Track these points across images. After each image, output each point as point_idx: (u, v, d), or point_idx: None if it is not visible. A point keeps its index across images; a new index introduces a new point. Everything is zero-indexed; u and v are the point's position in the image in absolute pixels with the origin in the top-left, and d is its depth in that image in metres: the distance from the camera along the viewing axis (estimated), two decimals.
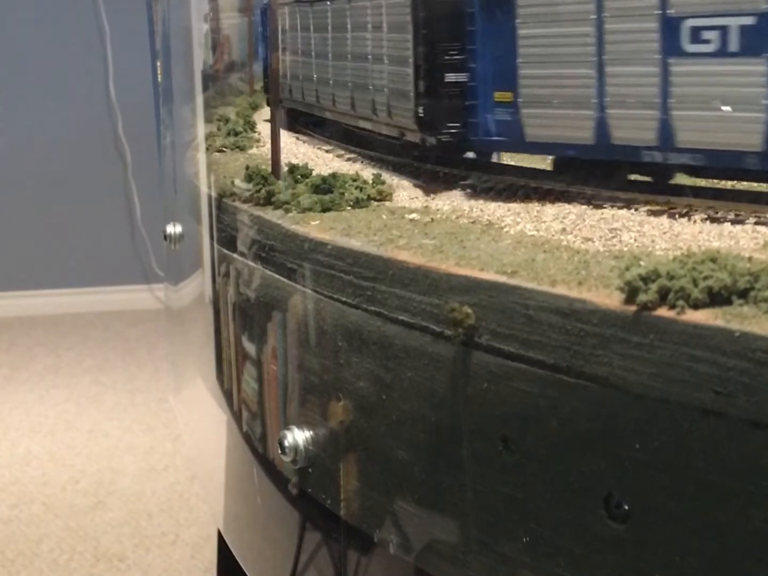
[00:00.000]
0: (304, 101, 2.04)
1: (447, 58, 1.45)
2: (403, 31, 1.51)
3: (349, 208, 1.43)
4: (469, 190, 1.45)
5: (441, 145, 1.49)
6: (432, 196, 1.46)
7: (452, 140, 1.48)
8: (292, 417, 1.38)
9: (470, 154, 1.56)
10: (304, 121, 2.13)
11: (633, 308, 0.89)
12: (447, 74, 1.46)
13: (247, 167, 1.60)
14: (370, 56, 1.65)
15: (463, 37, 1.43)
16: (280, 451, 1.33)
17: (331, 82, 1.84)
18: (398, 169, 1.66)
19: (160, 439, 3.86)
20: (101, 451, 3.77)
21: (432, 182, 1.54)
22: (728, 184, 1.24)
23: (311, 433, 1.32)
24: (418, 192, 1.51)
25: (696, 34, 1.13)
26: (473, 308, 1.03)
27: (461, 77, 1.45)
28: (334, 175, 1.49)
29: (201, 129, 2.16)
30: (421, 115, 1.50)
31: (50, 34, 5.31)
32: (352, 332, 1.20)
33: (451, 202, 1.40)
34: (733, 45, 1.09)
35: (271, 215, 1.45)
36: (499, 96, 1.40)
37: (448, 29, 1.47)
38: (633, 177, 1.31)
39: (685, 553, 0.86)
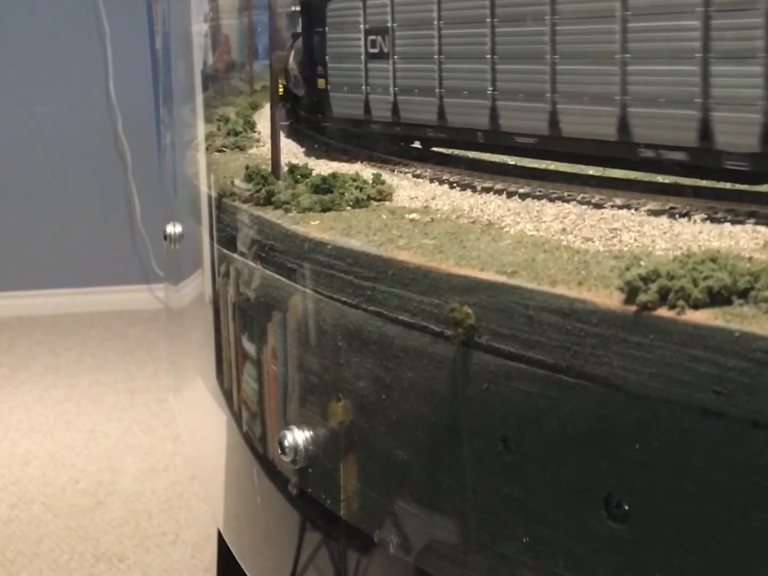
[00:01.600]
0: (445, 123, 1.55)
1: None
2: (744, 14, 1.08)
3: (349, 208, 1.42)
4: None
5: None
6: None
7: None
8: (292, 417, 1.38)
9: None
10: (430, 153, 1.67)
11: (633, 308, 0.89)
12: None
13: (247, 167, 1.60)
14: (628, 54, 1.21)
15: None
16: (280, 451, 1.33)
17: (548, 95, 1.34)
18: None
19: (160, 439, 3.86)
20: (101, 451, 3.77)
21: None
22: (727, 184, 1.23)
23: (311, 433, 1.31)
24: None
25: None
26: (473, 308, 1.03)
27: None
28: (334, 175, 1.49)
29: (201, 129, 2.16)
30: None
31: (50, 34, 5.31)
32: (352, 332, 1.20)
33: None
34: None
35: (271, 215, 1.45)
36: None
37: None
38: None
39: (685, 553, 0.86)
